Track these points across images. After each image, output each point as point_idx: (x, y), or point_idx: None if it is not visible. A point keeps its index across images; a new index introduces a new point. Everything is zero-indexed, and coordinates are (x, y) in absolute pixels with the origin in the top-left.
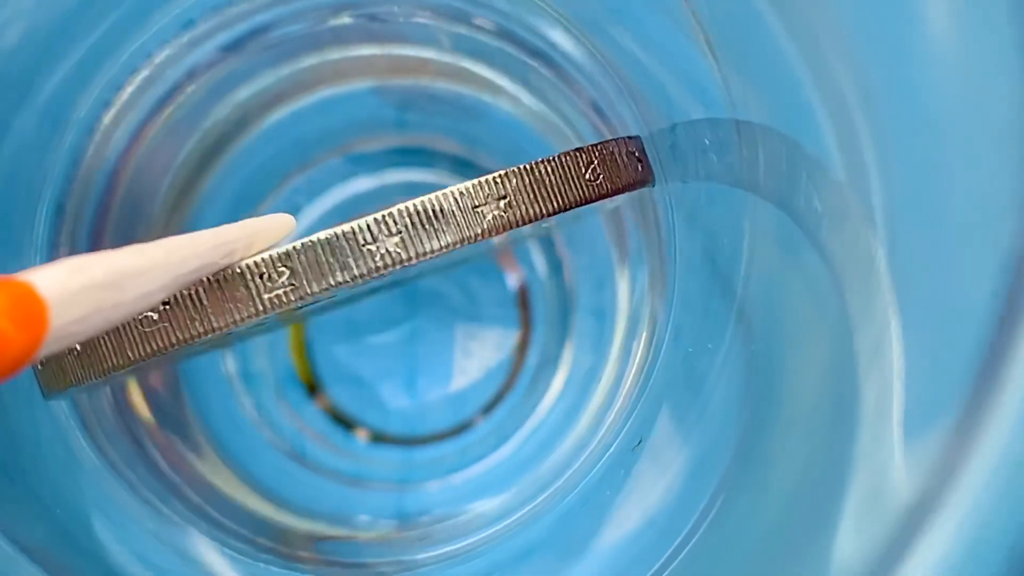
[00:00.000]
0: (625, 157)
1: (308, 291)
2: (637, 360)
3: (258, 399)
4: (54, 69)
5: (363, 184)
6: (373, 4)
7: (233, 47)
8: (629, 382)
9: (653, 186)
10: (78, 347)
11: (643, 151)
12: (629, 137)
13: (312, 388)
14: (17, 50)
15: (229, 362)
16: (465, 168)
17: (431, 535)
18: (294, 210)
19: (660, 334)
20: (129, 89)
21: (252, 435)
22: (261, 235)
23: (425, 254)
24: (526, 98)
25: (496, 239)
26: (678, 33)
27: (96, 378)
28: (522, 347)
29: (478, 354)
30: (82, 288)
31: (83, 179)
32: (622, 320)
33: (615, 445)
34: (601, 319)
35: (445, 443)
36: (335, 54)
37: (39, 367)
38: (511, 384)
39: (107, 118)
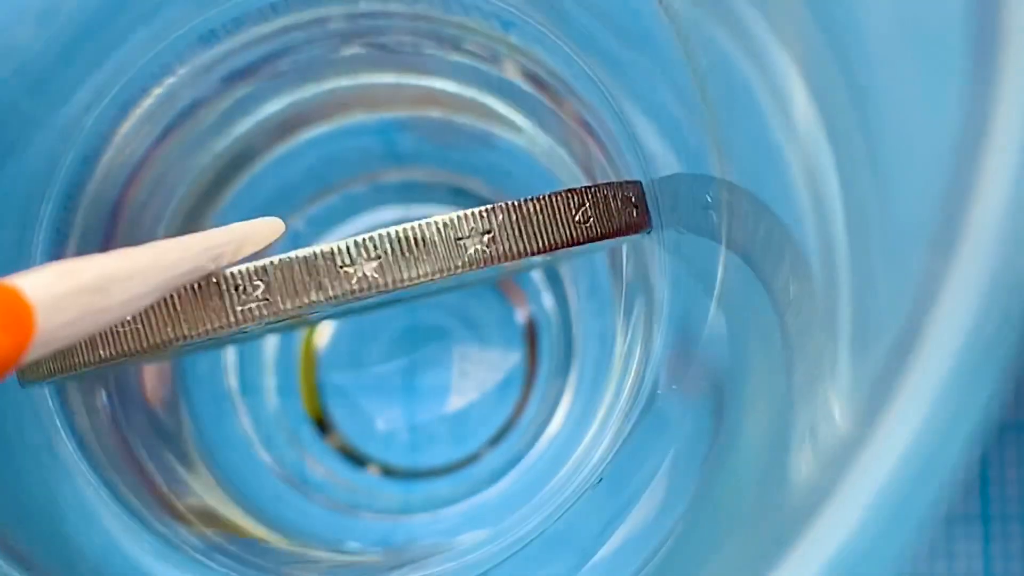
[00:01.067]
0: (619, 202)
1: (281, 307)
2: (624, 397)
3: (258, 422)
4: (71, 81)
5: (363, 222)
6: (384, 33)
7: (244, 73)
8: (616, 418)
9: (649, 232)
10: None
11: (641, 197)
12: (628, 181)
13: (320, 423)
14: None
15: (231, 378)
16: (467, 201)
17: (414, 561)
18: (297, 241)
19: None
20: (138, 112)
21: (249, 455)
22: (250, 239)
23: (402, 281)
24: (541, 138)
25: (501, 270)
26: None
27: (66, 373)
28: (529, 380)
29: (485, 386)
30: (70, 292)
31: (85, 206)
32: (619, 357)
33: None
34: (604, 353)
35: (448, 476)
36: (345, 82)
37: None
38: (517, 418)
39: (115, 139)
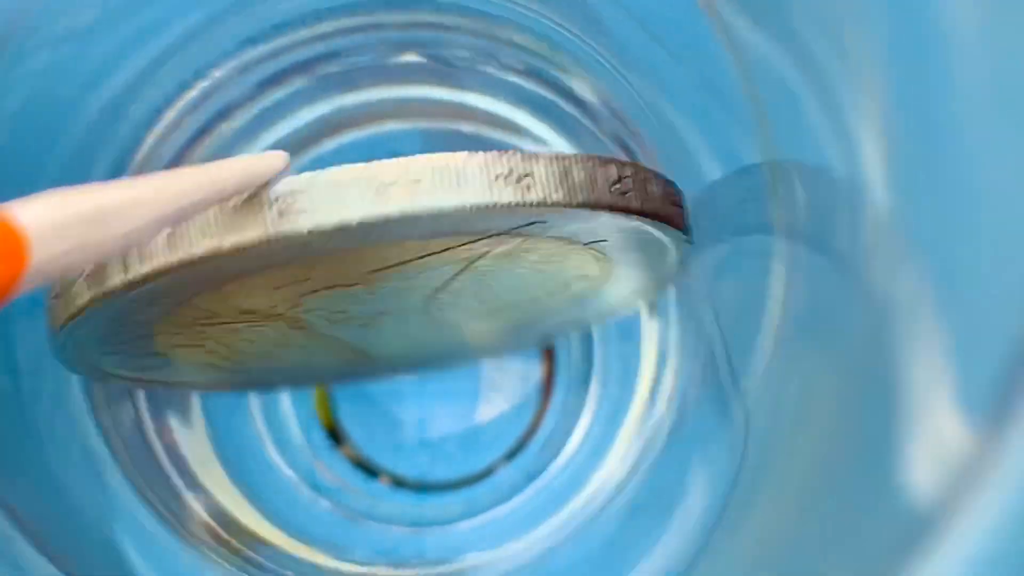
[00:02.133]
0: (659, 188)
1: (322, 219)
2: (655, 413)
3: (272, 426)
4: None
5: None
6: (441, 46)
7: (294, 71)
8: (643, 434)
9: (688, 243)
10: (89, 268)
11: (682, 200)
12: (670, 182)
13: (333, 432)
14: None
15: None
16: None
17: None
18: None
19: (680, 388)
20: (170, 115)
21: (262, 458)
22: (254, 172)
23: (439, 214)
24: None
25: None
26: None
27: (103, 300)
28: (546, 393)
29: (501, 399)
30: (66, 222)
31: None
32: (646, 372)
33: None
34: (628, 367)
35: (462, 490)
36: (397, 92)
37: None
38: (533, 433)
39: (149, 139)
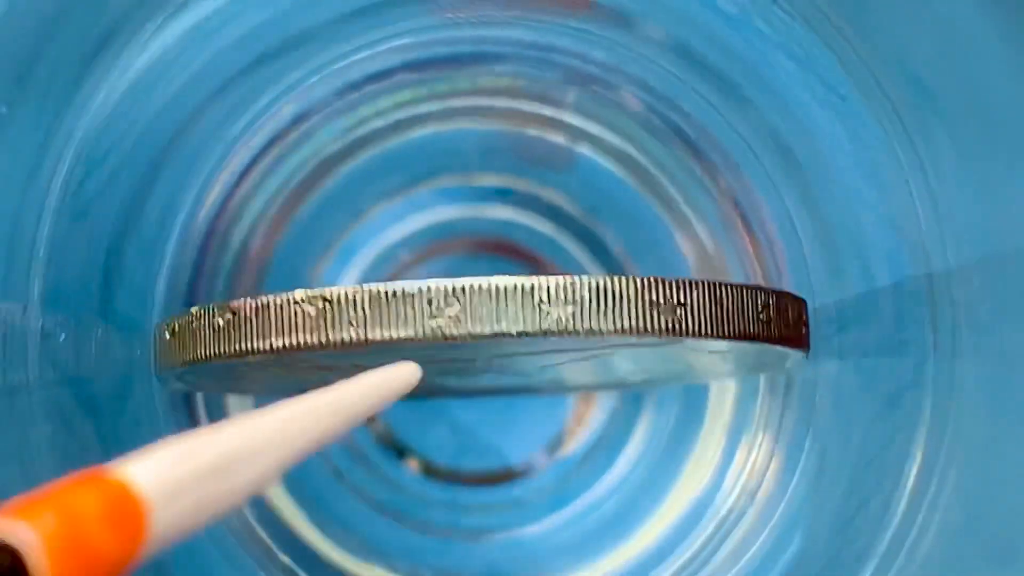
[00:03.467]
0: (795, 313)
1: (470, 330)
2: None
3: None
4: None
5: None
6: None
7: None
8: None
9: (807, 355)
10: (221, 322)
11: (806, 315)
12: (798, 297)
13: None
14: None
15: None
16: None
17: None
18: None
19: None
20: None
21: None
22: (388, 390)
23: (594, 332)
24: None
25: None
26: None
27: (229, 358)
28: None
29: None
30: (187, 479)
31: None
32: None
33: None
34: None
35: (501, 487)
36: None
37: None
38: (581, 418)
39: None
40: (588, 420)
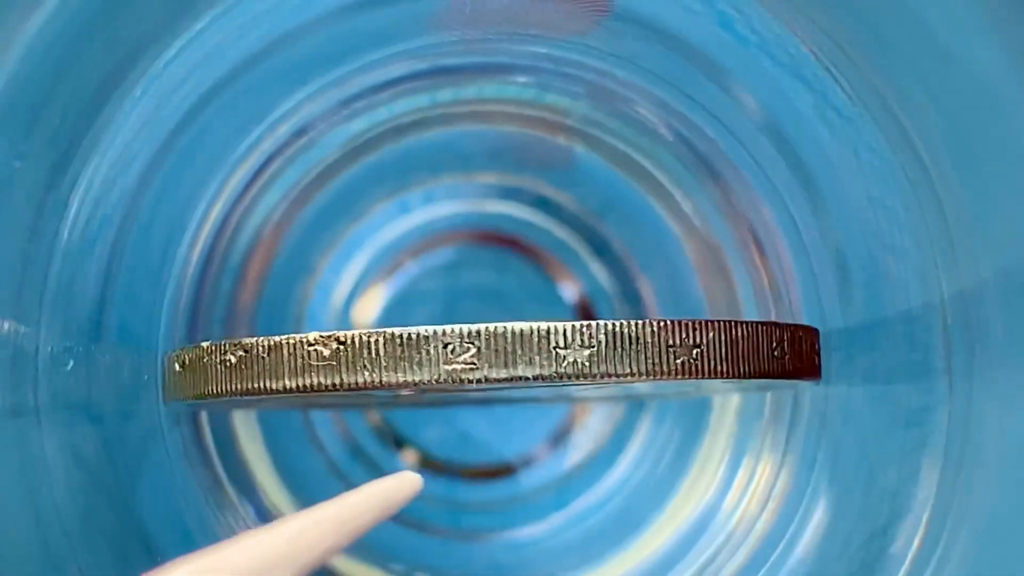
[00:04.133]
0: (808, 347)
1: (486, 375)
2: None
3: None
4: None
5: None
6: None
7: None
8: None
9: (818, 382)
10: (232, 359)
11: (818, 345)
12: (811, 328)
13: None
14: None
15: None
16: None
17: None
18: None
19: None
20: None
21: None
22: (391, 501)
23: (611, 376)
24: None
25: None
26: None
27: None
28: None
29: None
30: None
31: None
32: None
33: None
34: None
35: (500, 482)
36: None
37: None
38: (583, 413)
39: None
40: (590, 415)
